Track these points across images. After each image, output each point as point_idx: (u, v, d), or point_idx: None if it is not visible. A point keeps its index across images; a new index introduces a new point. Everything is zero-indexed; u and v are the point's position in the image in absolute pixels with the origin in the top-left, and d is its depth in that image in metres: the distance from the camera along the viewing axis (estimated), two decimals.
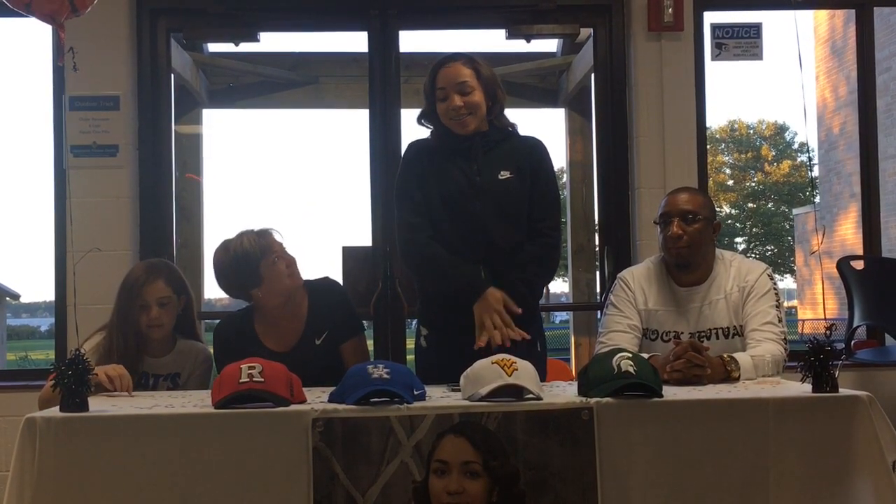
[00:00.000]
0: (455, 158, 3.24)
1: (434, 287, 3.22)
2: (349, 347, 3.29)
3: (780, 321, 3.18)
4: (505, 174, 3.21)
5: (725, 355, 2.98)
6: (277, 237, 3.30)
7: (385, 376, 2.49)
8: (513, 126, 3.34)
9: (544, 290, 3.49)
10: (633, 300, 3.29)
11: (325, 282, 3.45)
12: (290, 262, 3.27)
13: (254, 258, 3.23)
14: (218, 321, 3.51)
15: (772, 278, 3.26)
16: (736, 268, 3.27)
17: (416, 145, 3.36)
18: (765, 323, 3.15)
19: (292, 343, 3.29)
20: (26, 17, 3.73)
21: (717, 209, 3.37)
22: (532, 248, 3.21)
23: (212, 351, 3.47)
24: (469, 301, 3.08)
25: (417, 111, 3.36)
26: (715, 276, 3.26)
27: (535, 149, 3.31)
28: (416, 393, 2.52)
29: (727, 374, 2.93)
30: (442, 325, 3.27)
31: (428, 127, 3.34)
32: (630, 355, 2.60)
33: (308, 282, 3.39)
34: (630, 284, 3.33)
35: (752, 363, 2.98)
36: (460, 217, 3.19)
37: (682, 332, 3.20)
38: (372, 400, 2.46)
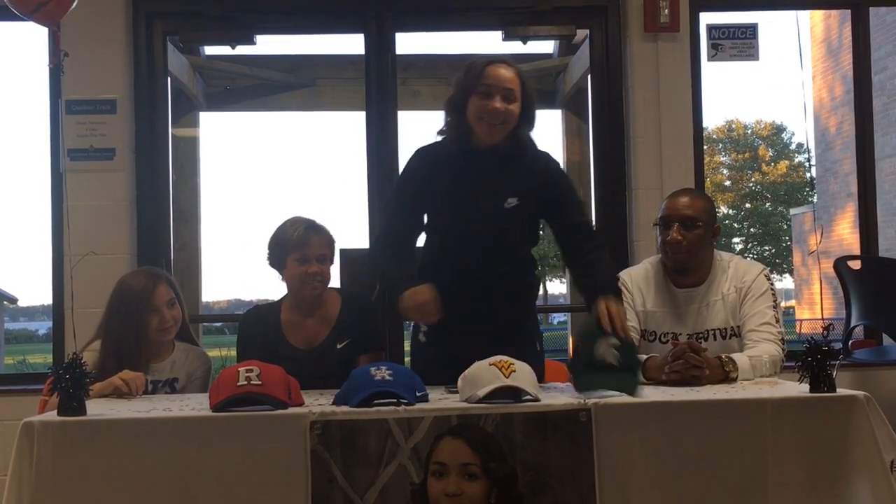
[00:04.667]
0: (462, 176, 3.15)
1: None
2: (366, 360, 3.31)
3: (777, 321, 3.18)
4: (512, 202, 3.12)
5: (723, 356, 2.99)
6: (320, 241, 3.30)
7: (388, 378, 2.50)
8: (531, 141, 3.21)
9: (540, 292, 3.49)
10: (630, 302, 3.29)
11: (362, 295, 3.60)
12: (317, 272, 3.28)
13: (286, 246, 3.29)
14: (217, 324, 3.54)
15: (769, 279, 3.26)
16: (733, 269, 3.27)
17: (423, 152, 3.25)
18: (762, 323, 3.15)
19: (315, 343, 3.34)
20: (22, 20, 3.74)
21: (715, 209, 3.38)
22: (593, 242, 3.16)
23: (206, 355, 3.49)
24: (393, 296, 3.08)
25: (414, 113, 3.34)
26: (713, 278, 3.26)
27: (547, 174, 3.21)
28: (418, 394, 2.53)
29: (725, 374, 2.94)
30: (440, 323, 3.27)
31: (447, 119, 3.20)
32: (617, 343, 2.69)
33: (345, 291, 3.49)
34: (628, 286, 3.33)
35: (750, 364, 2.99)
36: (460, 240, 3.15)
37: (680, 334, 3.21)
38: (375, 402, 2.46)
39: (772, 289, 3.23)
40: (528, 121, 3.15)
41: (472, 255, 3.13)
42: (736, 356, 3.00)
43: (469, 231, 3.13)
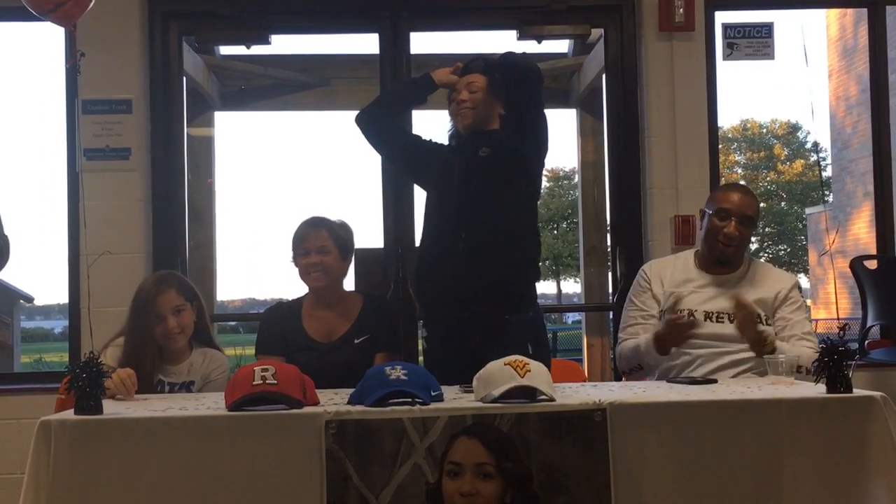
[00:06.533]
0: (450, 149, 3.53)
1: (385, 102, 3.73)
2: (382, 359, 3.35)
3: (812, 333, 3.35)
4: (486, 151, 3.38)
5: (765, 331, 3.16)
6: (318, 233, 3.41)
7: (402, 377, 2.50)
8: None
9: (554, 290, 3.54)
10: (650, 287, 3.42)
11: (383, 298, 3.83)
12: (317, 262, 3.38)
13: (296, 239, 3.46)
14: (232, 323, 3.60)
15: (801, 290, 3.43)
16: (767, 269, 3.45)
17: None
18: (807, 332, 3.31)
19: (334, 336, 3.43)
20: (39, 20, 3.76)
21: None
22: None
23: (224, 358, 3.50)
24: (420, 89, 3.59)
25: (428, 112, 3.50)
26: (746, 272, 3.41)
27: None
28: (433, 394, 2.53)
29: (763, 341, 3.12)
30: (438, 322, 3.39)
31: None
32: None
33: (366, 293, 3.63)
34: (648, 275, 3.47)
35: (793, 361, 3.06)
36: (445, 193, 3.41)
37: (696, 310, 3.26)
38: (390, 401, 2.46)
39: (803, 300, 3.41)
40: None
41: (455, 205, 3.36)
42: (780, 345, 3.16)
43: (453, 183, 3.39)
